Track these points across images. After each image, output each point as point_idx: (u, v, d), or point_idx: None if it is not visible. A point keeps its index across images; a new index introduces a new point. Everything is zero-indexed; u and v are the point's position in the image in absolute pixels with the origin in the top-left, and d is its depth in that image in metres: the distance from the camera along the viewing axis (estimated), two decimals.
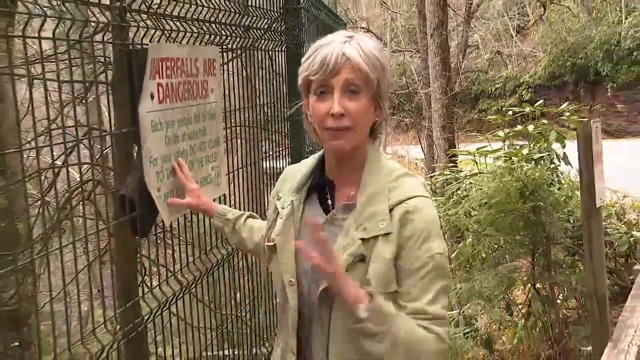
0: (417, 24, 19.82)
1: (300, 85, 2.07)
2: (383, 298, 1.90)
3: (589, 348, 5.37)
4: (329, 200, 2.12)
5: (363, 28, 24.82)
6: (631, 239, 7.54)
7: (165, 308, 2.48)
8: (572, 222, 6.96)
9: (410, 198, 1.96)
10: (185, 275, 2.70)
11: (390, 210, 1.96)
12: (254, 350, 3.79)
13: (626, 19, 29.14)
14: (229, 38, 3.09)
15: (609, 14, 30.20)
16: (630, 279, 7.21)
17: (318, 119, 2.00)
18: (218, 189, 2.88)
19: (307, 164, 2.23)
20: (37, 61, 3.96)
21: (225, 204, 2.83)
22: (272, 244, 2.14)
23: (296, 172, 2.22)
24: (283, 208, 2.16)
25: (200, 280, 2.80)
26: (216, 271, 3.00)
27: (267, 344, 3.88)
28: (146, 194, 2.29)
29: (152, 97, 2.30)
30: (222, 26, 2.97)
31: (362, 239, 1.95)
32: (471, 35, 23.38)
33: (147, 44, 2.29)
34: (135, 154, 2.33)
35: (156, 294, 2.46)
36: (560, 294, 7.08)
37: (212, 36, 2.87)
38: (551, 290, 6.94)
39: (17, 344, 5.77)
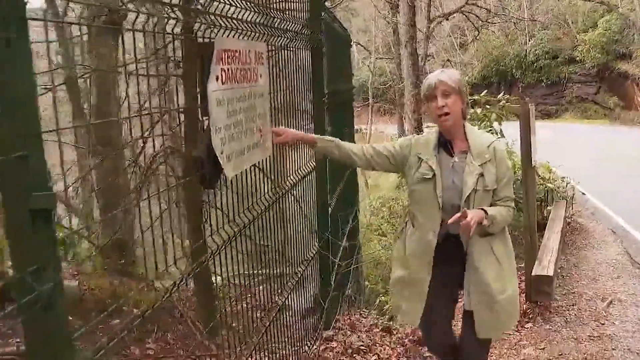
0: (391, 40, 19.29)
1: (422, 98, 2.69)
2: (487, 210, 2.49)
3: (522, 265, 5.08)
4: (452, 150, 2.62)
5: (356, 42, 24.37)
6: (545, 189, 7.40)
7: (226, 245, 2.17)
8: None
9: (494, 141, 2.61)
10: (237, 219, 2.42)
11: (487, 147, 2.56)
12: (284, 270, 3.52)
13: (529, 41, 30.58)
14: (272, 37, 2.73)
15: (519, 37, 31.10)
16: (545, 216, 7.01)
17: (433, 112, 2.60)
18: (265, 151, 2.52)
19: (430, 136, 2.69)
20: (132, 62, 3.61)
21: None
22: (429, 175, 2.58)
23: (427, 139, 2.68)
24: (428, 158, 2.61)
25: (249, 224, 2.50)
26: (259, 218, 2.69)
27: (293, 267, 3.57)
28: (213, 155, 1.94)
29: (217, 79, 1.96)
30: (267, 28, 2.61)
31: (480, 165, 2.54)
32: (429, 48, 22.79)
33: (214, 38, 1.94)
34: (204, 126, 1.99)
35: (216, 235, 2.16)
36: None
37: (260, 34, 2.51)
38: None
39: (122, 261, 5.54)
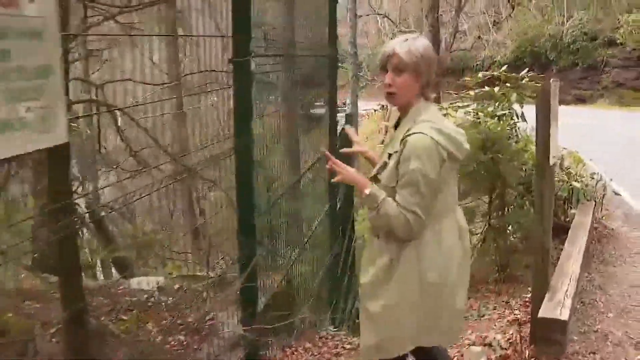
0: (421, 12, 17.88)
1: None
2: (377, 188, 2.17)
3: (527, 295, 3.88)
4: None
5: (380, 14, 22.78)
6: (570, 187, 6.22)
7: None
8: (524, 170, 5.55)
9: (412, 134, 2.09)
10: None
11: (402, 140, 2.11)
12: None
13: (567, 21, 28.50)
14: None
15: (556, 17, 29.02)
16: (567, 220, 5.83)
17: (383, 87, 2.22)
18: (46, 137, 1.36)
19: None
20: None
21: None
22: None
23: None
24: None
25: None
26: None
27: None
28: None
29: None
30: None
31: (389, 154, 2.17)
32: (460, 25, 21.18)
33: None
34: None
35: None
36: (510, 227, 5.79)
37: None
38: (502, 224, 5.64)
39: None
